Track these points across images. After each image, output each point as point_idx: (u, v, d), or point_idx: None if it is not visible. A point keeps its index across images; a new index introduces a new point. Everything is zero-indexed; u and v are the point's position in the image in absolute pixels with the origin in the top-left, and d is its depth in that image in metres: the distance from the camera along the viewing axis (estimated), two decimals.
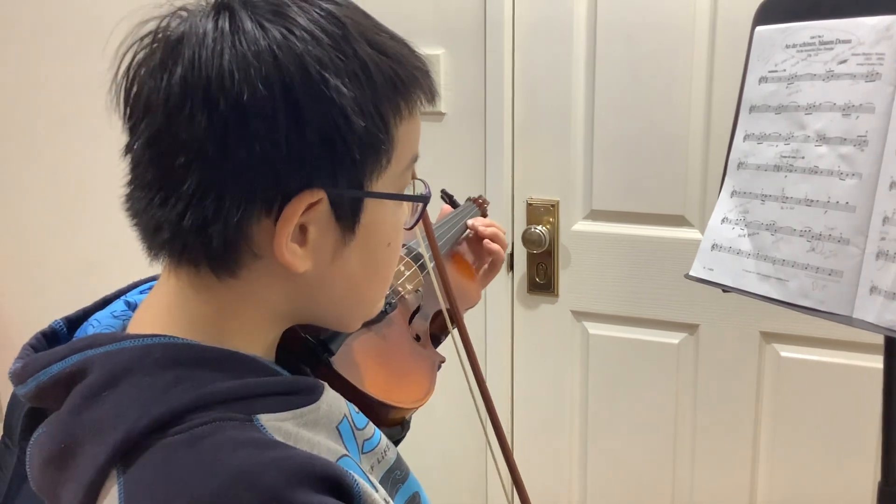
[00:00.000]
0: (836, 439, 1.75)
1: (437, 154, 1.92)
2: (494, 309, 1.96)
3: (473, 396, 0.93)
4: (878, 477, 1.24)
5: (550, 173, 1.89)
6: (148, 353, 0.61)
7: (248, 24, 0.58)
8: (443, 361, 0.94)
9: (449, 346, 0.99)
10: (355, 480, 0.60)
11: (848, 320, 1.11)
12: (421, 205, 0.73)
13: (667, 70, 1.74)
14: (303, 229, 0.61)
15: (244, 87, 0.56)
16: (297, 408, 0.63)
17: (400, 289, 0.94)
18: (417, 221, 0.74)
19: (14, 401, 0.74)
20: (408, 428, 0.87)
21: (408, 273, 0.96)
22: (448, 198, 1.21)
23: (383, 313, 0.87)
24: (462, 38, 1.87)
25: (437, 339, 1.00)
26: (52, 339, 0.69)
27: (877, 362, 1.24)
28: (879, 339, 1.20)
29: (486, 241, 1.15)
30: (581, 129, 1.85)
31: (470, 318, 1.95)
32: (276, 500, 0.53)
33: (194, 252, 0.60)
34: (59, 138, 2.31)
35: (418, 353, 0.91)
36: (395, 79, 0.62)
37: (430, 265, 0.97)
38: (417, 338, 0.93)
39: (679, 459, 1.91)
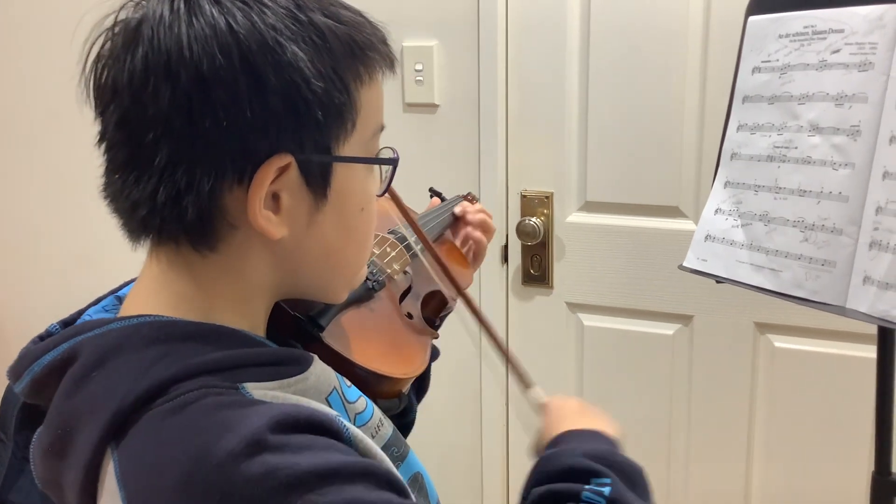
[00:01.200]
0: (831, 429, 1.76)
1: (430, 146, 1.92)
2: (489, 301, 1.96)
3: (499, 361, 0.94)
4: (873, 466, 1.25)
5: (544, 165, 1.89)
6: (135, 332, 0.62)
7: (204, 4, 0.60)
8: (436, 338, 0.95)
9: (442, 340, 0.99)
10: (345, 426, 0.61)
11: (841, 310, 1.11)
12: (391, 170, 0.74)
13: (661, 61, 1.74)
14: (275, 197, 0.63)
15: (203, 57, 0.58)
16: (285, 378, 0.64)
17: (387, 269, 0.94)
18: (388, 187, 0.74)
19: (8, 396, 0.75)
20: (406, 402, 0.87)
21: (393, 253, 0.97)
22: (436, 194, 1.23)
23: (371, 290, 0.87)
24: (455, 29, 1.86)
25: (431, 323, 1.01)
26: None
27: (871, 352, 1.25)
28: (873, 329, 1.20)
29: (470, 228, 1.16)
30: (575, 121, 1.84)
31: (464, 310, 1.95)
32: (261, 443, 0.54)
33: (171, 226, 0.62)
34: (48, 134, 2.30)
35: (409, 327, 0.92)
36: (352, 44, 0.63)
37: (417, 247, 0.99)
38: (409, 316, 0.94)
39: (674, 450, 1.91)
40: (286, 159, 0.61)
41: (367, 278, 0.86)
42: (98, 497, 0.59)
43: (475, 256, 1.19)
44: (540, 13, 1.81)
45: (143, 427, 0.57)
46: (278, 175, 0.61)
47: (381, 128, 0.70)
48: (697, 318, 1.83)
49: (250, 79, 0.59)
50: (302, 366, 0.66)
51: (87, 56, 0.63)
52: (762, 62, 1.24)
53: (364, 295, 0.86)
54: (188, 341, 0.62)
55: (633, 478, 0.76)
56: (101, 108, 0.63)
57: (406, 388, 0.85)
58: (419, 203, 1.16)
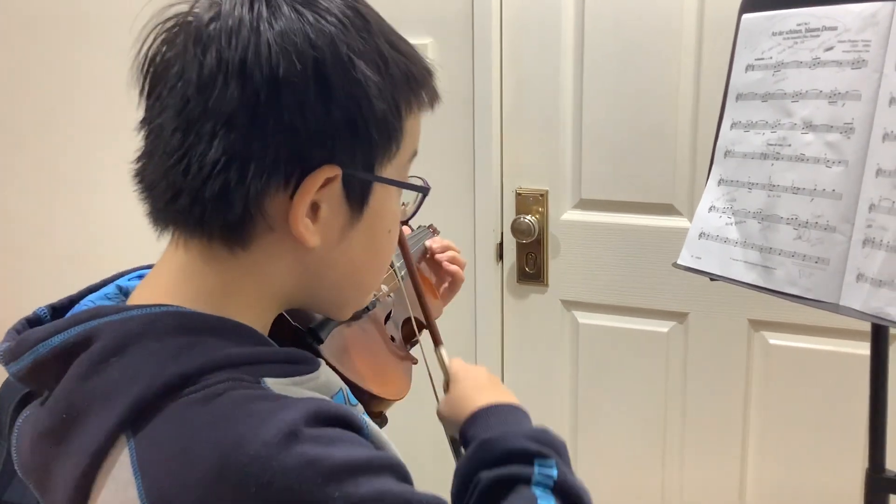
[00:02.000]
0: (826, 426, 1.76)
1: (425, 144, 1.90)
2: (484, 299, 1.96)
3: (436, 396, 0.95)
4: (867, 463, 1.25)
5: (539, 163, 1.89)
6: (157, 319, 0.62)
7: (285, 8, 0.62)
8: (415, 363, 0.97)
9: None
10: (365, 422, 0.64)
11: (834, 308, 1.11)
12: (421, 196, 0.77)
13: (655, 59, 1.74)
14: (314, 207, 0.64)
15: (280, 59, 0.59)
16: (299, 375, 0.65)
17: (379, 291, 0.96)
18: (416, 212, 0.78)
19: (2, 396, 0.74)
20: (384, 424, 0.88)
21: (385, 275, 0.98)
22: (404, 222, 1.26)
23: (366, 309, 0.89)
24: (450, 27, 1.86)
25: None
26: (36, 325, 0.69)
27: (865, 349, 1.25)
28: (867, 326, 1.21)
29: (445, 262, 1.19)
30: (570, 119, 1.84)
31: (459, 309, 1.96)
32: (296, 434, 0.55)
33: (212, 220, 0.62)
34: (42, 130, 2.29)
35: (396, 351, 0.94)
36: (409, 75, 0.66)
37: (400, 273, 1.01)
38: (392, 339, 0.96)
39: (669, 447, 1.92)
40: (335, 171, 0.63)
41: None
42: (95, 487, 0.58)
43: (451, 287, 1.21)
44: (534, 11, 1.81)
45: (170, 416, 0.57)
46: (323, 185, 0.63)
47: (415, 154, 0.73)
48: (692, 315, 1.83)
49: (320, 88, 0.60)
50: (312, 365, 0.67)
51: (143, 43, 0.63)
52: (756, 60, 1.24)
53: (358, 313, 0.87)
54: (211, 334, 0.62)
55: (565, 456, 0.77)
56: (158, 91, 0.63)
57: (386, 410, 0.86)
58: None
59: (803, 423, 1.78)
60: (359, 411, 0.71)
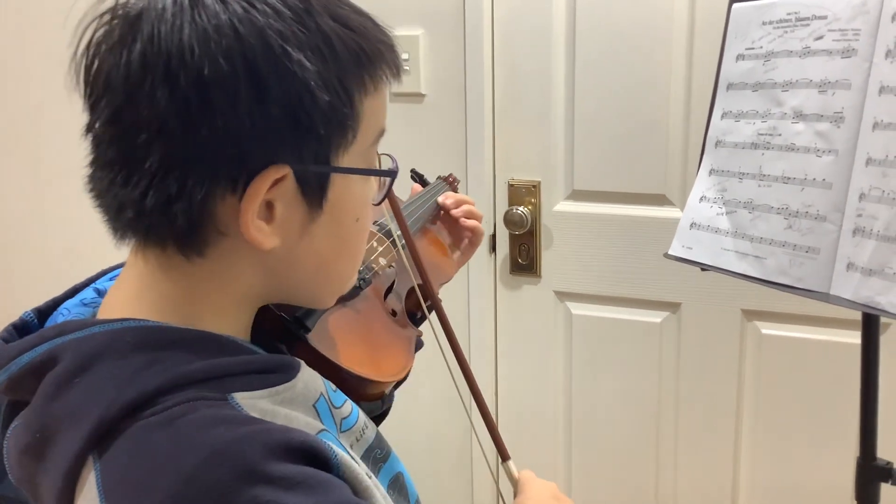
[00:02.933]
0: (819, 415, 1.76)
1: (417, 135, 1.91)
2: (477, 290, 1.96)
3: (451, 372, 0.93)
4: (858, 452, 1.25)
5: (532, 154, 1.88)
6: (118, 337, 0.60)
7: (209, 1, 0.57)
8: (420, 336, 0.94)
9: (429, 324, 0.98)
10: (333, 451, 0.60)
11: (825, 297, 1.11)
12: (388, 179, 0.72)
13: (647, 49, 1.73)
14: (269, 206, 0.61)
15: (205, 61, 0.55)
16: (273, 385, 0.63)
17: (374, 265, 0.93)
18: (385, 196, 0.73)
19: None
20: (389, 403, 0.87)
21: (381, 248, 0.96)
22: (418, 177, 1.20)
23: (357, 289, 0.86)
24: (441, 18, 1.85)
25: (413, 316, 0.99)
26: (22, 330, 0.69)
27: (858, 338, 1.24)
28: (860, 315, 1.20)
29: (462, 218, 1.13)
30: (562, 110, 1.84)
31: (452, 300, 1.96)
32: (253, 473, 0.53)
33: (159, 231, 0.60)
34: (33, 124, 2.28)
35: (394, 327, 0.90)
36: (360, 53, 0.61)
37: (400, 242, 0.96)
38: (393, 313, 0.92)
39: (662, 436, 1.92)
40: (283, 170, 0.59)
41: None
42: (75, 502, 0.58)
43: (471, 244, 1.16)
44: (526, 1, 1.81)
45: (129, 439, 0.56)
46: (273, 185, 0.59)
47: (382, 133, 0.68)
48: (685, 305, 1.83)
49: (253, 87, 0.56)
50: (289, 373, 0.65)
51: (80, 41, 0.60)
52: (746, 49, 1.24)
53: (350, 293, 0.84)
54: (174, 349, 0.60)
55: None
56: (92, 100, 0.59)
57: (388, 390, 0.84)
58: (402, 189, 1.15)
59: (796, 411, 1.78)
60: (342, 413, 0.70)
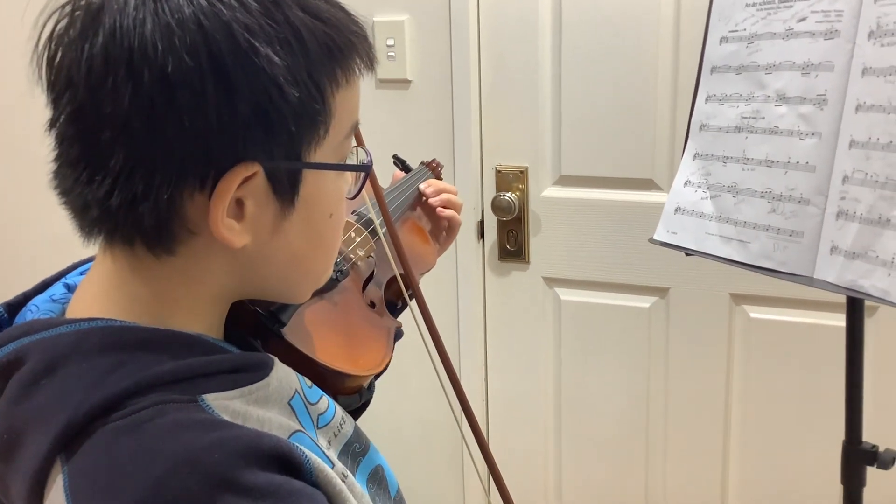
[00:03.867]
0: (807, 398, 1.77)
1: (403, 122, 1.90)
2: (466, 277, 1.96)
3: (433, 362, 0.92)
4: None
5: (519, 140, 1.88)
6: (85, 337, 0.59)
7: None
8: (399, 327, 0.93)
9: (411, 315, 0.97)
10: (306, 456, 0.59)
11: (809, 281, 1.11)
12: (363, 174, 0.71)
13: (634, 35, 1.72)
14: (239, 203, 0.59)
15: (168, 57, 0.53)
16: (246, 385, 0.62)
17: (352, 255, 0.91)
18: (360, 191, 0.71)
19: None
20: (368, 396, 0.86)
21: (359, 239, 0.94)
22: (400, 163, 1.18)
23: (335, 281, 0.85)
24: (426, 2, 1.84)
25: (393, 306, 0.98)
26: None
27: (845, 321, 1.24)
28: (845, 298, 1.20)
29: (439, 207, 1.12)
30: (549, 95, 1.83)
31: (441, 287, 1.95)
32: (223, 482, 0.52)
33: (126, 231, 0.58)
34: (16, 113, 2.26)
35: (373, 319, 0.89)
36: (331, 45, 0.59)
37: (382, 231, 0.95)
38: (372, 304, 0.91)
39: (652, 421, 1.92)
40: (252, 168, 0.57)
41: None
42: None
43: (449, 233, 1.15)
44: None
45: (96, 443, 0.55)
46: (243, 182, 0.57)
47: (355, 125, 0.66)
48: (673, 290, 1.83)
49: (219, 84, 0.54)
50: (262, 371, 0.64)
51: (41, 33, 0.58)
52: (730, 32, 1.23)
53: (327, 286, 0.83)
54: (143, 349, 0.58)
55: None
56: (54, 94, 0.58)
57: (367, 383, 0.83)
58: (385, 176, 1.14)
59: (784, 394, 1.79)
60: (318, 409, 0.69)
